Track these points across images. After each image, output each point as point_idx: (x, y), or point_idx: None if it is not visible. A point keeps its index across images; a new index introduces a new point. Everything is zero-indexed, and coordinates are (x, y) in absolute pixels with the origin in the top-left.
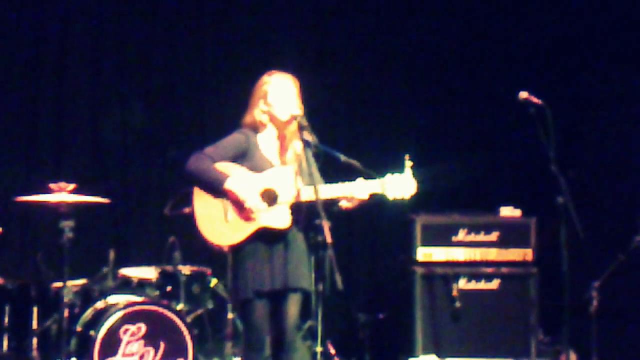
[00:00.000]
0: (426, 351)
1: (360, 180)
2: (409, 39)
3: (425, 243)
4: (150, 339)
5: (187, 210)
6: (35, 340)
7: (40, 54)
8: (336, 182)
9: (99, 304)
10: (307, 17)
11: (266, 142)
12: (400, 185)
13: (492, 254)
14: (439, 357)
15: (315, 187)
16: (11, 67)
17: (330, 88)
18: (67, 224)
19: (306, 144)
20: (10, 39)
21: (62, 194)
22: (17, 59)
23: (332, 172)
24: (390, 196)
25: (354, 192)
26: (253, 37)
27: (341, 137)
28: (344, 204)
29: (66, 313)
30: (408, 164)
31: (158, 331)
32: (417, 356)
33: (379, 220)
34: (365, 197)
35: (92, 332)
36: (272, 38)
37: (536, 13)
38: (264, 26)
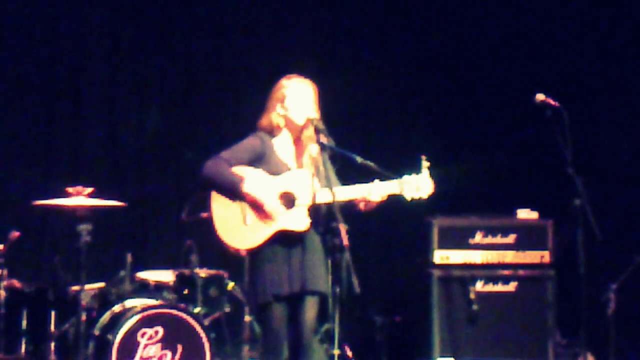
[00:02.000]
0: (443, 354)
1: (377, 181)
2: (425, 40)
3: (442, 245)
4: (167, 343)
5: (204, 215)
6: (52, 344)
7: (56, 58)
8: (353, 184)
9: (117, 308)
10: (323, 19)
11: (282, 146)
12: (417, 185)
13: (509, 257)
14: (456, 359)
15: (332, 189)
16: (28, 71)
17: (347, 90)
18: (85, 228)
19: (322, 147)
20: (26, 42)
21: (80, 198)
22: (33, 63)
23: (349, 174)
24: (408, 197)
25: (371, 193)
26: (269, 41)
27: (358, 138)
28: (361, 206)
29: (84, 317)
30: (425, 164)
31: (175, 334)
32: (434, 359)
33: (395, 223)
34: (383, 198)
35: (109, 336)
36: (288, 41)
37: (553, 13)
38: (280, 30)
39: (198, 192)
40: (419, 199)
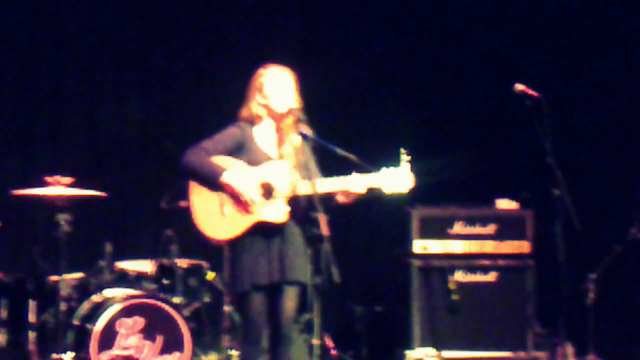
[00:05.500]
0: (423, 344)
1: (356, 174)
2: (404, 31)
3: (422, 235)
4: (147, 332)
5: (183, 203)
6: (32, 334)
7: (37, 47)
8: (333, 175)
9: (96, 298)
10: (303, 9)
11: (263, 135)
12: (397, 178)
13: (489, 247)
14: (435, 349)
15: (311, 181)
16: (7, 60)
17: (327, 81)
18: (64, 218)
19: (303, 137)
20: (6, 32)
21: (59, 188)
22: (13, 52)
23: (328, 165)
24: (387, 190)
25: (350, 186)
26: (249, 31)
27: (338, 130)
28: (340, 198)
29: (63, 306)
30: (405, 157)
31: (155, 324)
32: (414, 349)
33: (375, 213)
34: (362, 191)
35: (89, 326)
36: (268, 31)
37: (531, 5)
38: (260, 19)
39: (177, 181)
40: (399, 192)
